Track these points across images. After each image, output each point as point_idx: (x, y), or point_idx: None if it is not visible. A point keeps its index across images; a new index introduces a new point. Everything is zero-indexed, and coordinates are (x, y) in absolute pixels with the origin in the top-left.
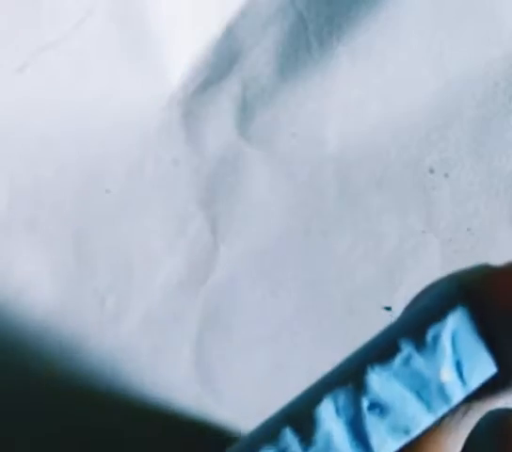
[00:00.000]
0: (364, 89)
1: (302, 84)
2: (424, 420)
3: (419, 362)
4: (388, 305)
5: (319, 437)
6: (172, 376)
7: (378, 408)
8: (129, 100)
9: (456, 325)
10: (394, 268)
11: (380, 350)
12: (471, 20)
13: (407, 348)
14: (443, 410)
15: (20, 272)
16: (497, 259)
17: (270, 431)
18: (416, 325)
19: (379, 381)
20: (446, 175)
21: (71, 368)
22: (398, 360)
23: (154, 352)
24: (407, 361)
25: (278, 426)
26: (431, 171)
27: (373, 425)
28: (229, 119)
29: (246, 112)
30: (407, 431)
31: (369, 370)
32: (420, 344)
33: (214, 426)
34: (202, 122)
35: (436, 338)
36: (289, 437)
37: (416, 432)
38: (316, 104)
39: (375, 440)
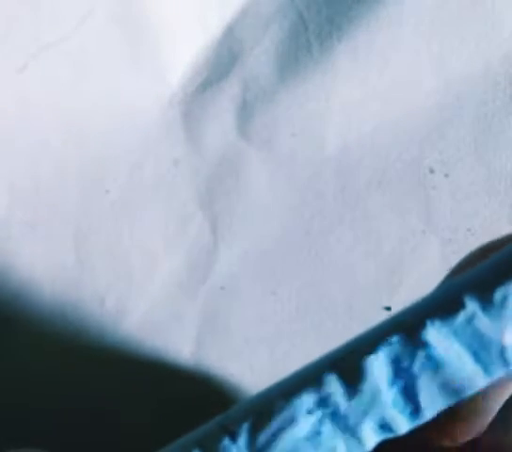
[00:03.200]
0: (364, 89)
1: (302, 84)
2: (478, 382)
3: (483, 321)
4: (388, 305)
5: (366, 388)
6: (172, 375)
7: (433, 364)
8: (129, 100)
9: None
10: (394, 268)
11: (443, 305)
12: (471, 20)
13: (471, 306)
14: (500, 373)
15: (20, 272)
16: None
17: (313, 377)
18: (484, 282)
19: (438, 337)
20: (446, 175)
21: (71, 368)
22: (461, 317)
23: (154, 352)
24: (470, 319)
25: (322, 372)
26: (431, 171)
27: (424, 381)
28: (229, 119)
29: (246, 112)
30: (458, 391)
31: (428, 324)
32: (486, 302)
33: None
34: (202, 122)
35: (504, 298)
36: (333, 384)
37: (468, 393)
38: (316, 104)
39: (423, 396)
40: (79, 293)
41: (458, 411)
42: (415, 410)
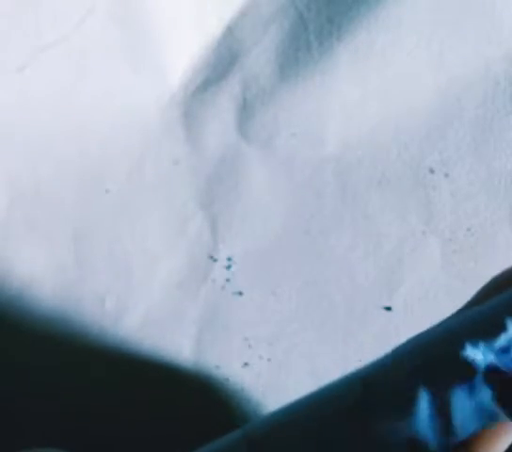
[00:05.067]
0: (364, 89)
1: (302, 84)
2: None
3: None
4: (388, 305)
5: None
6: (172, 375)
7: (468, 385)
8: (129, 100)
9: None
10: (394, 268)
11: (482, 326)
12: (471, 20)
13: None
14: None
15: (20, 272)
16: (497, 259)
17: (342, 393)
18: None
19: (476, 358)
20: (446, 175)
21: (71, 368)
22: (502, 340)
23: (154, 352)
24: (510, 343)
25: (355, 387)
26: (431, 171)
27: (459, 402)
28: (229, 119)
29: (246, 112)
30: (492, 415)
31: (467, 344)
32: None
33: (215, 426)
34: (202, 122)
35: None
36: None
37: (502, 417)
38: (316, 104)
39: (456, 418)
40: (79, 293)
41: (478, 439)
42: (447, 430)
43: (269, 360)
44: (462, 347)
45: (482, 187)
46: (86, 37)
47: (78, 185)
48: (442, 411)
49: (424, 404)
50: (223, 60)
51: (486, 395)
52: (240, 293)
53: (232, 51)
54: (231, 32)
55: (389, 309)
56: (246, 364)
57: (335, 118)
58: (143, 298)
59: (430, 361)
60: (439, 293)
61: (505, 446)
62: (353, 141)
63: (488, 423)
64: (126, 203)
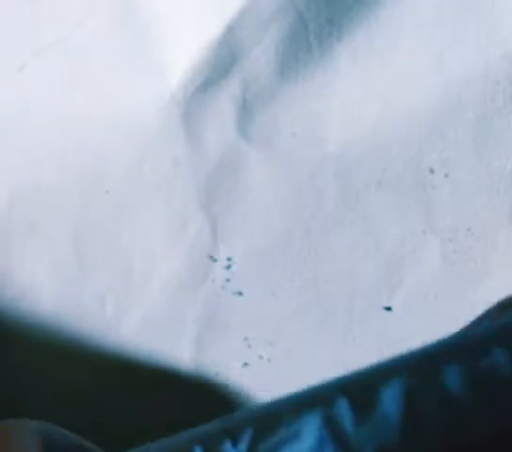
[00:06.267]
0: (364, 89)
1: (302, 84)
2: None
3: (507, 371)
4: (388, 305)
5: (374, 417)
6: (172, 375)
7: (445, 404)
8: (129, 100)
9: None
10: (394, 268)
11: (464, 348)
12: (471, 20)
13: (497, 354)
14: None
15: (20, 273)
16: (497, 259)
17: (323, 396)
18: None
19: (455, 379)
20: (446, 175)
21: (71, 368)
22: (484, 363)
23: (154, 352)
24: (493, 367)
25: (333, 393)
26: (431, 171)
27: (434, 420)
28: (229, 119)
29: (246, 112)
30: (470, 436)
31: (447, 365)
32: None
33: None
34: (202, 122)
35: None
36: (343, 407)
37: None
38: (316, 104)
39: (432, 431)
40: (79, 293)
41: None
42: (420, 447)
43: (269, 360)
44: (441, 369)
45: (482, 187)
46: (86, 37)
47: (78, 185)
48: (418, 427)
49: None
50: (223, 60)
51: None
52: (240, 293)
53: (231, 51)
54: (231, 32)
55: (389, 309)
56: (246, 364)
57: (335, 118)
58: (143, 298)
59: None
60: (439, 293)
61: None
62: (353, 141)
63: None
64: (126, 203)
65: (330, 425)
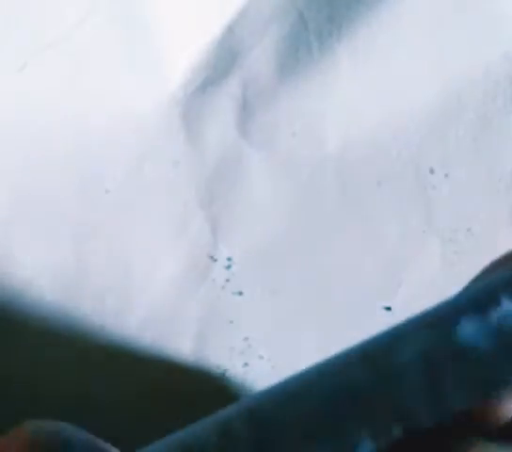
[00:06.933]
0: (364, 89)
1: (302, 84)
2: (508, 380)
3: None
4: (388, 305)
5: (394, 378)
6: (172, 375)
7: (463, 359)
8: (128, 100)
9: None
10: (394, 268)
11: (477, 301)
12: (471, 20)
13: (507, 304)
14: None
15: (20, 272)
16: None
17: (337, 367)
18: None
19: (470, 333)
20: (446, 175)
21: (72, 367)
22: (495, 314)
23: (154, 352)
24: (504, 317)
25: (352, 361)
26: (431, 171)
27: (454, 375)
28: (229, 119)
29: (246, 112)
30: (487, 388)
31: (462, 319)
32: None
33: None
34: (202, 122)
35: None
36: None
37: (498, 391)
38: (316, 104)
39: (451, 390)
40: (79, 292)
41: (484, 411)
42: (442, 403)
43: (269, 360)
44: (458, 322)
45: (482, 187)
46: (86, 37)
47: (78, 185)
48: (437, 385)
49: (414, 373)
50: (223, 60)
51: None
52: (240, 293)
53: (232, 51)
54: (231, 32)
55: (389, 309)
56: (246, 364)
57: (335, 118)
58: (143, 298)
59: (426, 337)
60: (439, 293)
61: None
62: (353, 141)
63: (482, 397)
64: (126, 203)
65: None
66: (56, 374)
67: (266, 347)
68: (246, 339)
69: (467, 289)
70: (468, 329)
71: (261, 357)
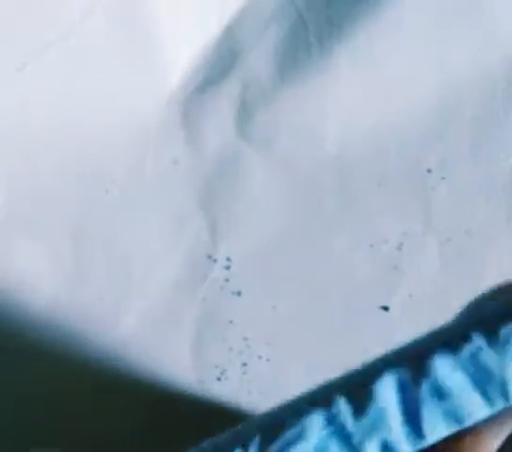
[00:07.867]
0: (364, 89)
1: (302, 84)
2: (479, 412)
3: (488, 356)
4: (386, 305)
5: (372, 411)
6: (171, 375)
7: (437, 393)
8: (129, 100)
9: None
10: (393, 268)
11: (449, 338)
12: (471, 20)
13: (478, 341)
14: (501, 406)
15: (20, 272)
16: (496, 259)
17: (323, 397)
18: (491, 320)
19: (443, 368)
20: (445, 175)
21: (71, 367)
22: (467, 350)
23: (153, 351)
24: (475, 353)
25: (332, 393)
26: (430, 172)
27: (429, 408)
28: (229, 119)
29: (246, 112)
30: (460, 420)
31: (435, 355)
32: (491, 339)
33: (213, 425)
34: (202, 122)
35: (509, 337)
36: (342, 405)
37: (469, 423)
38: (316, 105)
39: (427, 423)
40: (78, 292)
41: (460, 444)
42: (418, 434)
43: (269, 360)
44: (431, 356)
45: (481, 188)
46: (86, 36)
47: (78, 185)
48: (413, 418)
49: (394, 407)
50: (223, 60)
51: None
52: (239, 293)
53: (232, 51)
54: (231, 32)
55: (386, 309)
56: (245, 364)
57: (335, 118)
58: (142, 298)
59: (399, 369)
60: (437, 293)
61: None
62: (353, 141)
63: (455, 428)
64: (126, 203)
65: (332, 422)
66: (55, 373)
67: (266, 346)
68: (245, 339)
69: (441, 326)
70: (442, 363)
71: (260, 357)
